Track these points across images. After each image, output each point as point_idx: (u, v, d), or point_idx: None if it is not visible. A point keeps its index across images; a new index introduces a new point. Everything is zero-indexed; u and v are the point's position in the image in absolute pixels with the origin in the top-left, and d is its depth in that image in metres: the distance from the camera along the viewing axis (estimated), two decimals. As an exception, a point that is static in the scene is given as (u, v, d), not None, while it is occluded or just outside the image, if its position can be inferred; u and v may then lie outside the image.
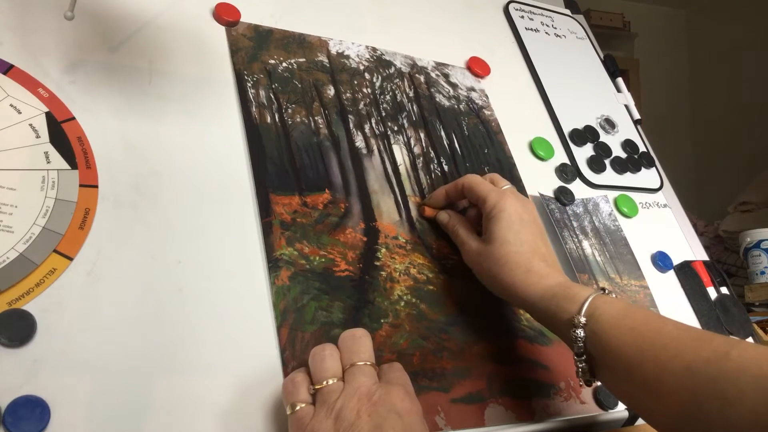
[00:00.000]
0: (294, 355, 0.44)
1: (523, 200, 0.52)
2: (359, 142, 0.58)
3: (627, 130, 0.78)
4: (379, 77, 0.64)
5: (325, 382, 0.39)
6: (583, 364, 0.44)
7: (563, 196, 0.65)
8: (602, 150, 0.74)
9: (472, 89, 0.70)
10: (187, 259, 0.45)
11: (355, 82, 0.62)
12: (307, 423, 0.38)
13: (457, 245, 0.54)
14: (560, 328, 0.45)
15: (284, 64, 0.58)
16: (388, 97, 0.63)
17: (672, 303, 0.65)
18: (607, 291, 0.46)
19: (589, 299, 0.44)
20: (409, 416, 0.38)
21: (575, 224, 0.64)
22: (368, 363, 0.40)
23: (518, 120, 0.71)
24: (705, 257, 0.72)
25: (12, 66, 0.46)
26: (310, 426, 0.37)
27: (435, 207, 0.57)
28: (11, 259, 0.39)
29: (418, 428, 0.38)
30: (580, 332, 0.43)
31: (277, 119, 0.54)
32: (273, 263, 0.47)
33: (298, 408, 0.39)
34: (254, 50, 0.58)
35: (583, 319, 0.43)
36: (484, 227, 0.51)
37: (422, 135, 0.62)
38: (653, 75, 2.55)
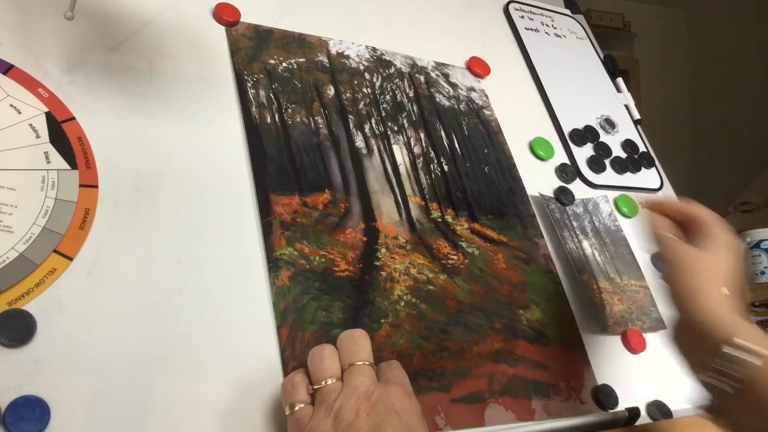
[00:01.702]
0: (294, 355, 0.44)
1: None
2: (359, 142, 0.58)
3: (627, 130, 0.78)
4: (379, 77, 0.64)
5: (323, 382, 0.39)
6: (730, 389, 0.41)
7: (563, 196, 0.65)
8: (602, 150, 0.74)
9: (472, 89, 0.70)
10: (187, 259, 0.45)
11: (355, 82, 0.62)
12: (306, 423, 0.38)
13: (660, 244, 0.51)
14: (710, 345, 0.42)
15: (284, 64, 0.58)
16: (388, 97, 0.63)
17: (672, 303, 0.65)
18: None
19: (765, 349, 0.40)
20: (408, 415, 0.38)
21: (575, 224, 0.64)
22: (367, 363, 0.40)
23: (518, 120, 0.71)
24: (705, 257, 0.72)
25: (12, 66, 0.46)
26: (309, 426, 0.37)
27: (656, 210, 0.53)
28: (11, 259, 0.39)
29: (416, 427, 0.38)
30: (733, 352, 0.40)
31: (277, 119, 0.54)
32: (273, 263, 0.47)
33: (297, 408, 0.39)
34: (254, 50, 0.58)
35: (744, 345, 0.40)
36: (701, 245, 0.49)
37: (422, 135, 0.62)
38: (653, 75, 2.55)
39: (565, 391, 0.53)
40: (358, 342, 0.42)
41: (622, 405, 0.54)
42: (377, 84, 0.63)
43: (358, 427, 0.36)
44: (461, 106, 0.67)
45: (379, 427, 0.36)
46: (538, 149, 0.69)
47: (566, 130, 0.73)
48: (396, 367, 0.42)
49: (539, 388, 0.52)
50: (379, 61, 0.65)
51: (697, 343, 0.44)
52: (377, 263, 0.51)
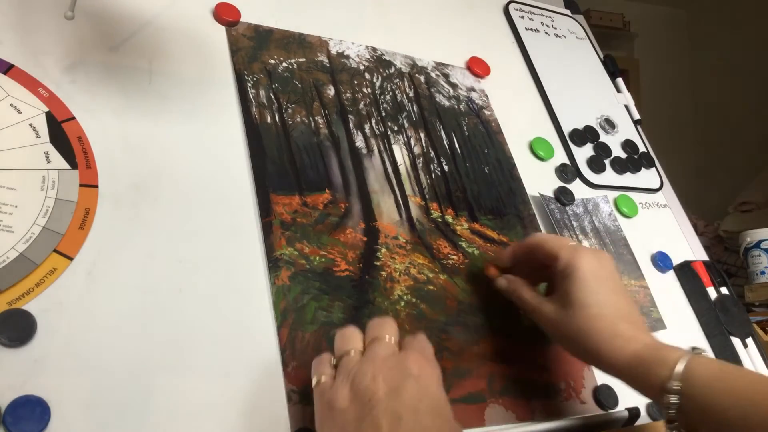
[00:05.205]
0: (294, 355, 0.44)
1: (598, 254, 0.49)
2: (359, 142, 0.58)
3: (627, 130, 0.78)
4: (379, 77, 0.64)
5: (345, 354, 0.40)
6: None
7: (563, 196, 0.65)
8: (602, 150, 0.74)
9: (472, 89, 0.70)
10: (187, 259, 0.45)
11: (355, 82, 0.62)
12: (327, 391, 0.38)
13: (524, 311, 0.51)
14: (651, 393, 0.43)
15: (284, 64, 0.58)
16: (388, 97, 0.63)
17: (672, 303, 0.65)
18: (699, 351, 0.43)
19: (681, 362, 0.41)
20: (426, 379, 0.38)
21: (575, 224, 0.64)
22: (389, 337, 0.41)
23: (518, 120, 0.71)
24: (705, 257, 0.72)
25: (12, 66, 0.46)
26: (329, 393, 0.38)
27: (500, 266, 0.54)
28: (11, 258, 0.39)
29: (435, 391, 0.38)
30: (674, 398, 0.40)
31: (277, 119, 0.54)
32: (273, 263, 0.47)
33: (321, 380, 0.39)
34: (254, 50, 0.58)
35: (676, 384, 0.40)
36: (556, 287, 0.49)
37: (422, 135, 0.62)
38: (653, 75, 2.55)
39: (565, 391, 0.53)
40: (384, 322, 0.42)
41: (622, 405, 0.54)
42: (377, 84, 0.63)
43: (373, 391, 0.36)
44: (461, 106, 0.67)
45: (397, 390, 0.36)
46: (538, 149, 0.69)
47: (566, 130, 0.73)
48: (421, 339, 0.42)
49: (539, 388, 0.52)
50: (379, 61, 0.65)
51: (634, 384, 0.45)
52: (377, 263, 0.51)
